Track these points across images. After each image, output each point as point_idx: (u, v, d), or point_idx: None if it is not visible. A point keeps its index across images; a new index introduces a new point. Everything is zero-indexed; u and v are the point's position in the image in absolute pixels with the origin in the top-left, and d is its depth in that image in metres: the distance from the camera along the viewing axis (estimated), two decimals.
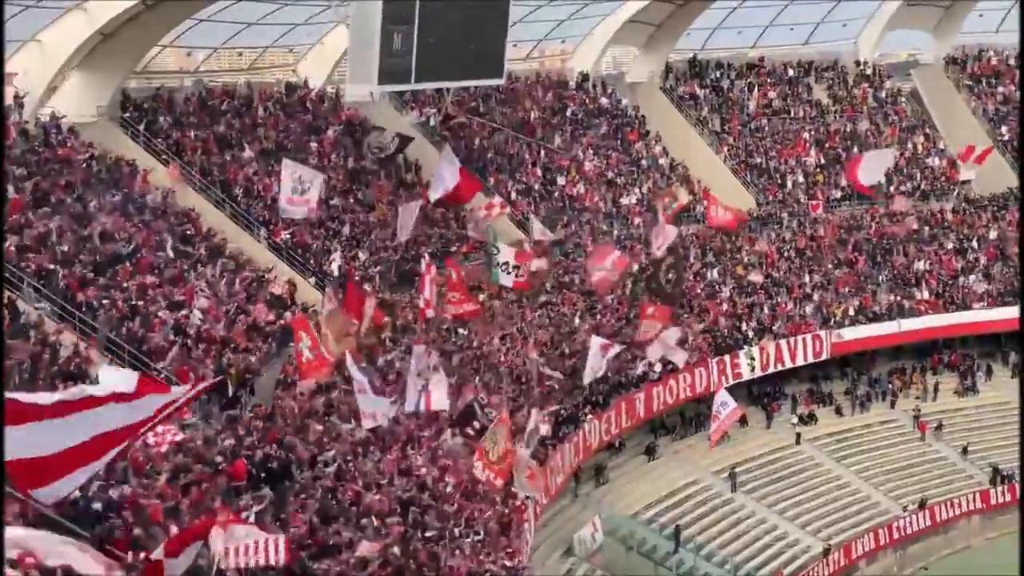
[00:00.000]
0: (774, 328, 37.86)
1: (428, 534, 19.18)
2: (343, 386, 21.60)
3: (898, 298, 40.82)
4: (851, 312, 39.77)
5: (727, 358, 35.96)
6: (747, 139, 44.79)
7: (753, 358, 36.72)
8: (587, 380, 28.81)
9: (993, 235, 44.12)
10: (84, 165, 24.73)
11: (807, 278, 40.52)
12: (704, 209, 38.85)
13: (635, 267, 33.61)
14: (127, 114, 28.56)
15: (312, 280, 27.64)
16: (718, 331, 36.46)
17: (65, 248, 21.33)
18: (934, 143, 47.37)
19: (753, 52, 48.30)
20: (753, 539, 33.57)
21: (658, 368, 33.14)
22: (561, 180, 38.69)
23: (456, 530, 20.22)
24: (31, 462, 8.68)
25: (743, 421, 36.20)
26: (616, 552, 30.40)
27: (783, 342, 37.68)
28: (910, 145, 46.75)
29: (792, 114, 46.27)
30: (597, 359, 27.79)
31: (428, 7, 28.94)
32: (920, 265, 42.46)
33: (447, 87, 35.09)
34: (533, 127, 39.50)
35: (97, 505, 13.64)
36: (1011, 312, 40.17)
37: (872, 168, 30.42)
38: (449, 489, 21.60)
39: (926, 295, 41.36)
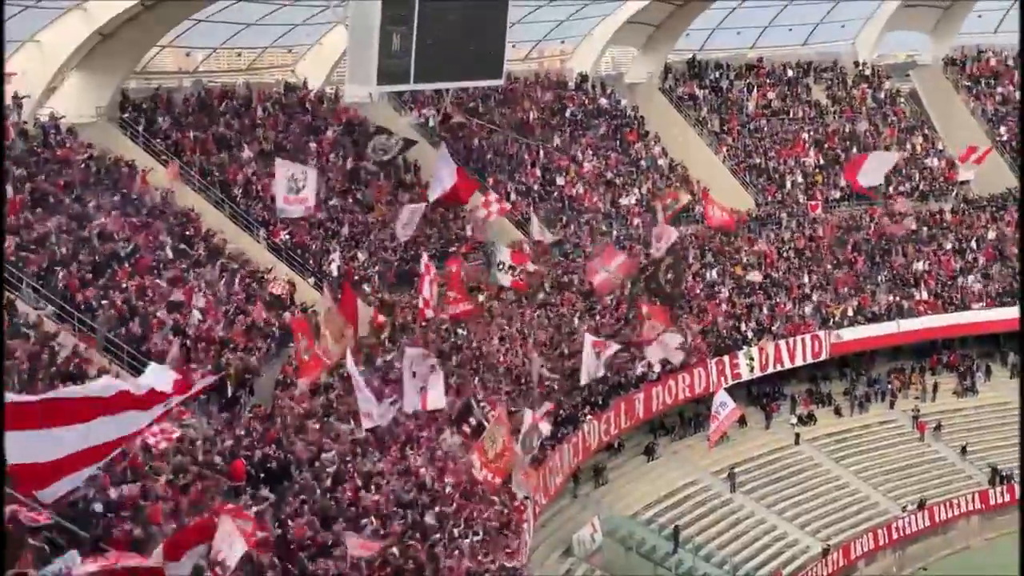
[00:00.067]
0: (773, 328, 37.85)
1: (427, 534, 19.16)
2: (342, 386, 21.62)
3: (897, 298, 40.81)
4: (850, 312, 39.75)
5: (726, 358, 35.95)
6: (746, 139, 44.76)
7: (752, 358, 36.71)
8: (584, 381, 28.83)
9: (992, 235, 44.12)
10: (83, 165, 24.69)
11: (806, 278, 40.50)
12: (702, 209, 38.90)
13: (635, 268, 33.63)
14: (126, 114, 28.52)
15: (311, 280, 27.63)
16: (717, 331, 36.47)
17: (64, 248, 21.31)
18: (933, 144, 47.37)
19: (752, 53, 48.27)
20: (752, 539, 33.57)
21: (657, 368, 33.12)
22: (560, 180, 38.69)
23: (455, 530, 20.21)
24: (40, 467, 8.69)
25: (742, 421, 36.23)
26: (615, 552, 30.41)
27: (782, 342, 37.67)
28: (909, 146, 46.73)
29: (791, 115, 46.24)
30: (591, 358, 27.82)
31: (427, 7, 28.89)
32: (919, 265, 42.46)
33: (446, 88, 35.05)
34: (532, 127, 39.49)
35: (97, 505, 13.62)
36: (1010, 312, 40.17)
37: (874, 170, 30.43)
38: (448, 489, 21.59)
39: (925, 295, 41.36)
